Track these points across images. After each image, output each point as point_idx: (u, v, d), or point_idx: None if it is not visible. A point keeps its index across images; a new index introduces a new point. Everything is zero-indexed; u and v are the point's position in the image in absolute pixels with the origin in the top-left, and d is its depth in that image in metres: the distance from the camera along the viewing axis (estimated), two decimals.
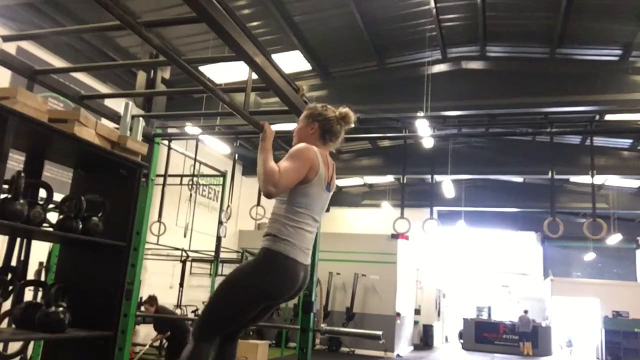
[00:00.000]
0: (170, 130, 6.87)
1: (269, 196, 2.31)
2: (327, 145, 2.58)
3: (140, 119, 3.48)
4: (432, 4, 7.65)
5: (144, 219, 3.70)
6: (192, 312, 10.68)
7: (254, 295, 2.30)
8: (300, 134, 2.59)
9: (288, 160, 2.35)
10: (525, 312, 16.14)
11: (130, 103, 3.48)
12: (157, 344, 8.61)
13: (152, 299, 7.51)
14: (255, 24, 7.94)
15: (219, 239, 8.27)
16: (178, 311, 9.50)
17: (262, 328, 11.34)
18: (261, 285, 2.29)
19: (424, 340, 15.98)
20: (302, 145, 2.43)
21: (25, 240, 2.82)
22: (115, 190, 2.87)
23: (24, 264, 2.81)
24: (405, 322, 13.77)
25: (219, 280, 10.63)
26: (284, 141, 3.44)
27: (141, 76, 8.30)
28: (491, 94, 8.93)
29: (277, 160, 2.37)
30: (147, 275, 9.54)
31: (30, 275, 4.67)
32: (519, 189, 16.00)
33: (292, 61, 8.77)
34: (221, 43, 4.20)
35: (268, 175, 2.25)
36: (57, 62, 7.41)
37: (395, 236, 12.28)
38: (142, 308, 7.77)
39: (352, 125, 2.61)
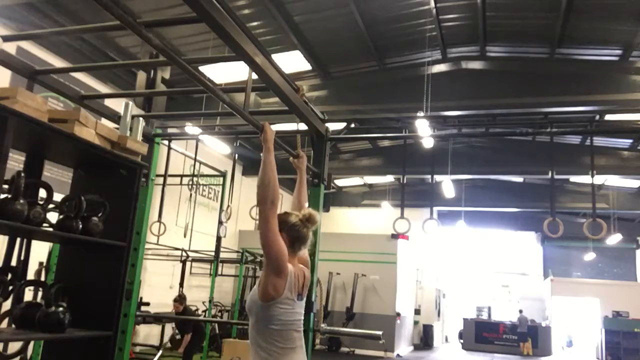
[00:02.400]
0: (170, 130, 6.87)
1: (258, 203, 2.29)
2: (297, 254, 2.48)
3: (140, 119, 3.48)
4: (432, 4, 7.65)
5: (144, 219, 3.70)
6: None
7: None
8: None
9: (279, 240, 2.28)
10: (520, 311, 16.21)
11: (130, 103, 3.48)
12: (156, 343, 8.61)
13: (182, 298, 7.62)
14: (255, 24, 7.94)
15: (219, 239, 8.27)
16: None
17: None
18: None
19: (424, 340, 15.98)
20: (286, 259, 2.32)
21: (25, 240, 2.82)
22: (115, 190, 2.87)
23: (24, 264, 2.81)
24: (405, 322, 13.77)
25: (219, 280, 10.67)
26: (284, 141, 3.44)
27: (141, 76, 8.33)
28: (491, 94, 8.93)
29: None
30: (147, 275, 9.55)
31: (30, 275, 4.68)
32: (519, 189, 16.01)
33: (292, 61, 8.77)
34: (221, 43, 4.20)
35: (269, 191, 2.27)
36: (57, 62, 7.41)
37: (395, 236, 12.29)
38: (172, 307, 7.89)
39: (317, 223, 2.53)
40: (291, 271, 2.34)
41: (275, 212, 2.29)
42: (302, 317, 2.45)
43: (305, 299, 2.45)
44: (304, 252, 2.54)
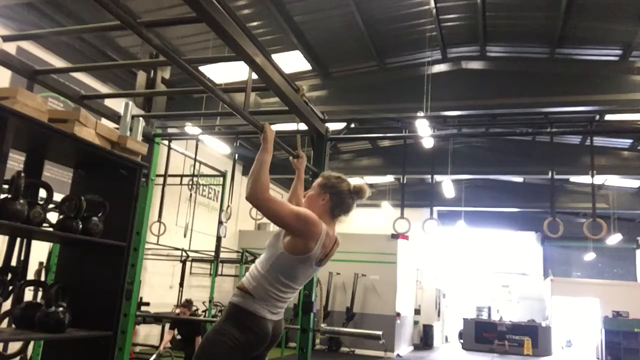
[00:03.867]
0: (170, 130, 6.88)
1: (248, 201, 2.30)
2: (335, 219, 2.48)
3: (140, 119, 3.48)
4: (432, 4, 7.65)
5: (144, 219, 3.70)
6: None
7: (229, 352, 2.28)
8: (310, 201, 2.50)
9: (291, 210, 2.30)
10: (497, 311, 16.66)
11: (130, 103, 3.48)
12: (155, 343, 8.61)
13: (189, 303, 7.63)
14: (255, 24, 7.95)
15: (219, 239, 8.28)
16: (178, 311, 9.50)
17: None
18: (232, 341, 2.27)
19: (424, 340, 15.98)
20: (315, 218, 2.32)
21: (25, 240, 2.82)
22: (115, 190, 2.87)
23: (24, 264, 2.81)
24: (405, 322, 13.76)
25: (218, 280, 10.66)
26: (284, 141, 3.44)
27: (141, 76, 8.31)
28: (491, 94, 8.93)
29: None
30: (147, 275, 9.55)
31: (30, 275, 4.68)
32: (519, 189, 16.00)
33: (292, 61, 8.77)
34: (221, 43, 4.20)
35: (257, 187, 2.26)
36: (57, 62, 7.41)
37: (395, 236, 12.28)
38: (178, 310, 7.89)
39: (365, 198, 2.51)
40: (323, 230, 2.33)
41: (270, 199, 2.27)
42: (307, 280, 2.46)
43: (320, 266, 2.45)
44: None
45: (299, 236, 2.29)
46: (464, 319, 16.80)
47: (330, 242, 2.40)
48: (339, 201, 2.45)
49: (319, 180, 2.55)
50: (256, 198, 2.26)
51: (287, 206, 2.32)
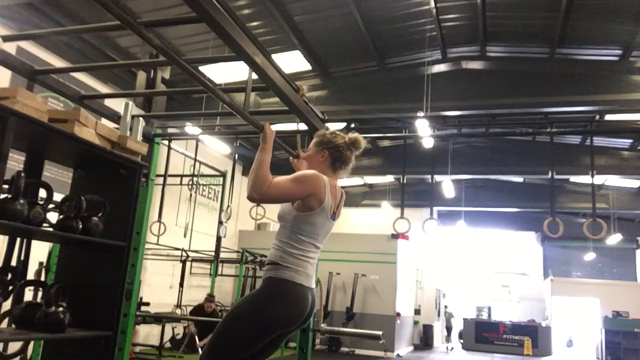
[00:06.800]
0: (170, 130, 6.88)
1: (250, 200, 2.34)
2: (337, 173, 2.57)
3: (140, 119, 3.48)
4: (432, 4, 7.65)
5: (144, 219, 3.69)
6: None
7: (264, 326, 2.26)
8: (310, 161, 2.58)
9: (289, 180, 2.34)
10: (446, 307, 16.95)
11: (130, 103, 3.48)
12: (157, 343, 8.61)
13: (212, 297, 8.14)
14: (255, 24, 7.94)
15: (219, 239, 8.28)
16: (178, 311, 9.50)
17: None
18: (271, 315, 2.25)
19: (424, 340, 15.98)
20: (311, 172, 2.42)
21: (25, 240, 2.82)
22: (115, 190, 2.87)
23: (24, 264, 2.81)
24: (405, 322, 13.76)
25: (218, 280, 10.64)
26: (284, 141, 3.44)
27: (141, 76, 8.33)
28: (491, 94, 8.93)
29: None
30: (147, 275, 9.54)
31: (30, 275, 4.67)
32: (519, 189, 16.00)
33: (292, 61, 8.77)
34: (221, 43, 4.21)
35: (258, 182, 2.28)
36: (57, 62, 7.41)
37: (395, 236, 12.27)
38: (205, 306, 8.60)
39: (362, 150, 2.60)
40: (326, 180, 2.39)
41: (271, 186, 2.29)
42: (327, 237, 2.50)
43: (335, 219, 2.49)
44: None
45: (308, 197, 2.35)
46: (464, 319, 16.80)
47: (337, 192, 2.48)
48: (338, 154, 2.54)
49: (314, 140, 2.62)
50: (259, 192, 2.28)
51: (285, 180, 2.34)
